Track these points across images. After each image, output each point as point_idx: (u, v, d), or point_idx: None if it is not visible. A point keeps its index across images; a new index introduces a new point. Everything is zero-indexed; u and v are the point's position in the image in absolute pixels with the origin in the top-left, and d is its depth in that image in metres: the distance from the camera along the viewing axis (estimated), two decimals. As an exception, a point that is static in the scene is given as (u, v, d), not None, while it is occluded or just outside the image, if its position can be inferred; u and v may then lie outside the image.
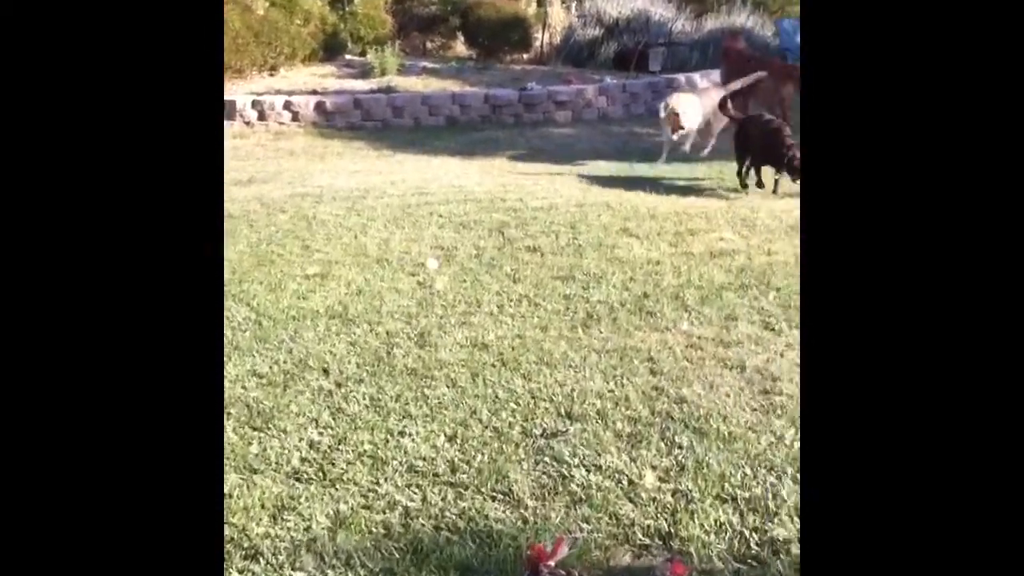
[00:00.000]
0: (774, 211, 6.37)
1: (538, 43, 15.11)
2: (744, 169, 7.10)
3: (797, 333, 3.91)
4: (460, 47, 15.29)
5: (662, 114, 8.13)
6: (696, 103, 8.14)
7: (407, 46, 14.81)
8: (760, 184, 7.05)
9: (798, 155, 6.44)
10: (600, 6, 15.06)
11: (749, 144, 7.07)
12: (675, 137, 8.03)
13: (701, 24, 15.31)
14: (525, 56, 15.06)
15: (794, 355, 3.79)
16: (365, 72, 11.85)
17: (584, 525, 2.65)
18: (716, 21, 15.11)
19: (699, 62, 13.98)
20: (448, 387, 3.56)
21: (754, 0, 15.68)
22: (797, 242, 5.22)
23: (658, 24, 14.76)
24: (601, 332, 4.13)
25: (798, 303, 4.23)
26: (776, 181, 6.93)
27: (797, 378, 3.43)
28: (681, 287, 4.73)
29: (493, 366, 3.75)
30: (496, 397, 3.47)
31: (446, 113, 9.95)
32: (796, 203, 6.30)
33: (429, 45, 15.02)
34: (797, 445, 3.04)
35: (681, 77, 11.23)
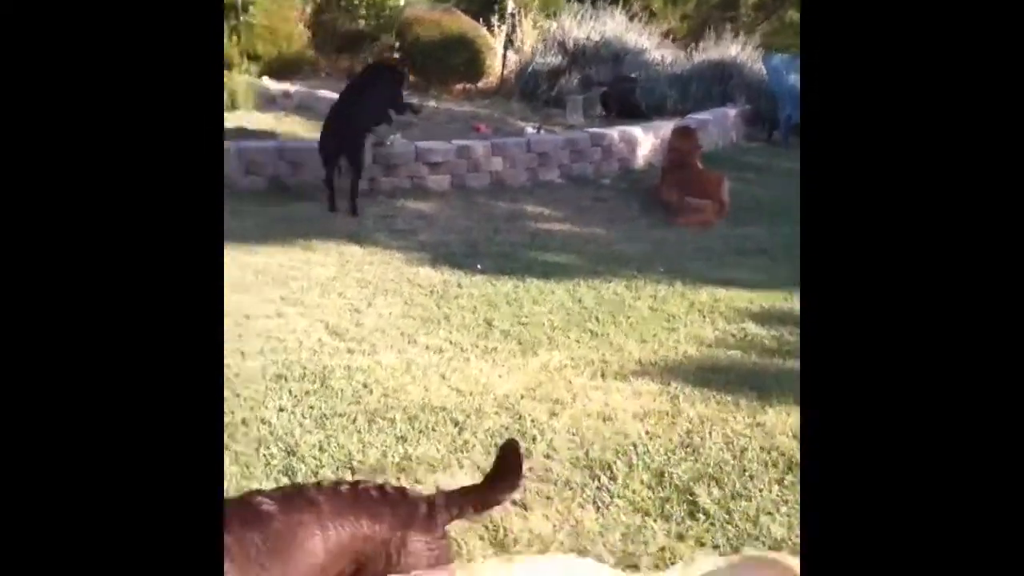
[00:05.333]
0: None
1: (498, 70, 12.57)
2: None
3: None
4: (399, 71, 12.79)
5: None
6: None
7: (332, 68, 12.39)
8: None
9: None
10: (566, 28, 12.45)
11: None
12: None
13: (688, 56, 12.61)
14: (479, 85, 12.49)
15: None
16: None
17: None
18: (705, 53, 12.39)
19: (677, 103, 11.31)
20: None
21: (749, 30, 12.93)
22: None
23: (634, 53, 12.11)
24: None
25: None
26: None
27: None
28: None
29: None
30: None
31: (269, 172, 7.38)
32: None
33: (359, 68, 12.52)
34: None
35: (613, 133, 8.52)
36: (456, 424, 3.71)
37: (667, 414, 3.85)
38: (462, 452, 3.49)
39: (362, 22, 12.17)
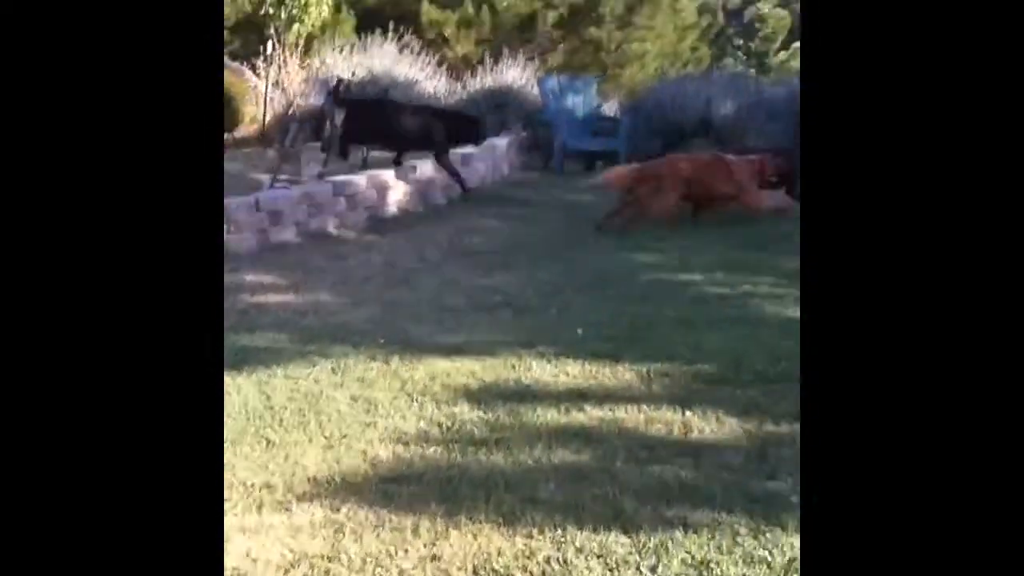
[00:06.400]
0: None
1: (261, 114, 11.57)
2: None
3: None
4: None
5: None
6: None
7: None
8: None
9: None
10: (330, 64, 11.61)
11: None
12: None
13: (463, 85, 11.97)
14: (235, 135, 11.42)
15: None
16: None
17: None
18: (480, 80, 11.78)
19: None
20: None
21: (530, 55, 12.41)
22: None
23: (403, 86, 11.38)
24: None
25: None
26: None
27: None
28: None
29: None
30: None
31: None
32: None
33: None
34: None
35: (360, 180, 7.69)
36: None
37: (322, 558, 2.99)
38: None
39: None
